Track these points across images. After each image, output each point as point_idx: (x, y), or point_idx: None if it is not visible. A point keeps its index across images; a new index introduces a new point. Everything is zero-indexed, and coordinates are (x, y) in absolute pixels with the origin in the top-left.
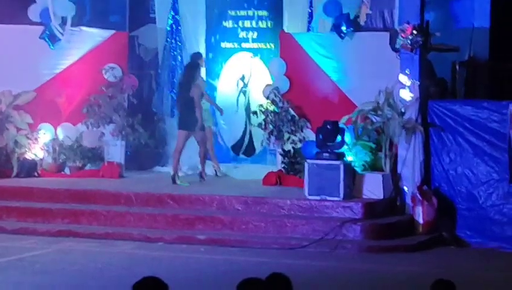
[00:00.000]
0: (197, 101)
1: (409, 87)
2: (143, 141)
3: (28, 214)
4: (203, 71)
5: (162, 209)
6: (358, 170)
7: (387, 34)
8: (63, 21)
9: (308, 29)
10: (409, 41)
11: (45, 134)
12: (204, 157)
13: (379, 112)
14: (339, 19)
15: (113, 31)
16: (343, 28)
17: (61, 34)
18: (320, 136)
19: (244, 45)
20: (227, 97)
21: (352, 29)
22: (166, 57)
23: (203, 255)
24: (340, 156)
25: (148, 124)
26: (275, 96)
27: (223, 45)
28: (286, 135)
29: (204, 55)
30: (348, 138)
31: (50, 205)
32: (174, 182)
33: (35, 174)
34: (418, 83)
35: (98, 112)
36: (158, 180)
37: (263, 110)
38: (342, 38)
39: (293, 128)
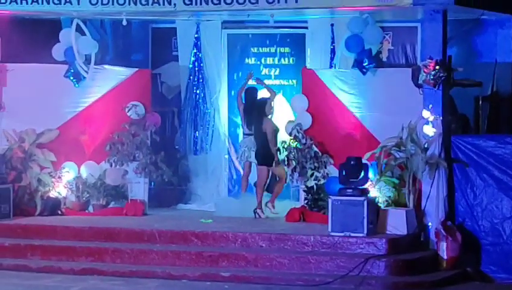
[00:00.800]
0: (270, 136)
1: (432, 122)
2: (166, 178)
3: (52, 253)
4: (225, 107)
5: (186, 247)
6: (381, 205)
7: (409, 70)
8: (87, 59)
9: (331, 66)
10: (431, 77)
11: (69, 172)
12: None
13: (402, 148)
14: (361, 54)
15: (135, 69)
16: (365, 64)
17: (86, 72)
18: (344, 172)
19: (267, 82)
20: (250, 134)
21: (374, 64)
22: (189, 94)
23: None
24: (364, 192)
25: (171, 162)
26: (298, 132)
27: None
28: (309, 171)
29: (226, 93)
30: (371, 174)
31: (74, 243)
32: (255, 215)
33: (59, 212)
34: (441, 118)
35: (121, 149)
36: (181, 217)
37: (286, 146)
38: (364, 74)
39: (316, 164)
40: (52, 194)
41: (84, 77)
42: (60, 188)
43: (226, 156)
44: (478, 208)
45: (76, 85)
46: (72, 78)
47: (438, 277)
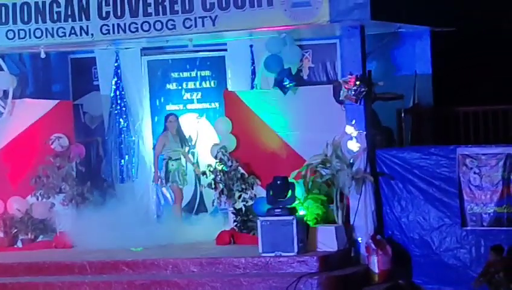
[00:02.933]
0: None
1: (355, 137)
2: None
3: None
4: (149, 134)
5: (117, 276)
6: (310, 223)
7: (330, 87)
8: (5, 94)
9: (252, 87)
10: (352, 92)
11: None
12: None
13: (328, 165)
14: (281, 74)
15: (57, 101)
16: (286, 83)
17: (3, 107)
18: (271, 193)
19: (189, 106)
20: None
21: (294, 83)
22: (112, 123)
23: None
24: (292, 211)
25: (98, 192)
26: (223, 155)
27: (168, 107)
28: (237, 193)
29: (150, 120)
30: (298, 192)
31: (4, 279)
32: None
33: None
34: (365, 132)
35: (47, 182)
36: (112, 247)
37: (212, 169)
38: (285, 93)
39: (243, 186)
40: None
41: (1, 112)
42: None
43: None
44: (406, 220)
45: None
46: None
47: None
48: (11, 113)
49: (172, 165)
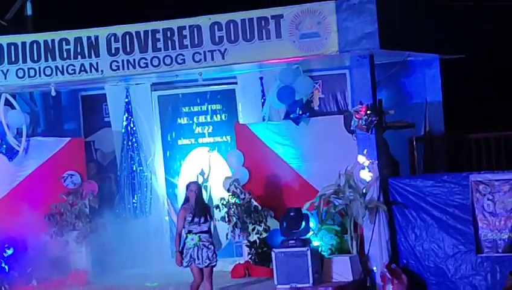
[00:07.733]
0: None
1: (368, 167)
2: (108, 245)
3: None
4: (161, 169)
5: None
6: (325, 254)
7: (341, 117)
8: (18, 133)
9: (263, 119)
10: (363, 122)
11: (9, 248)
12: None
13: (341, 195)
14: (293, 105)
15: (68, 138)
16: (298, 114)
17: (18, 145)
18: (285, 224)
19: (200, 140)
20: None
21: (307, 114)
22: (124, 159)
23: None
24: (306, 242)
25: (112, 228)
26: (236, 188)
27: (180, 142)
28: (250, 226)
29: (161, 155)
30: (312, 223)
31: None
32: None
33: (3, 288)
34: (377, 162)
35: (60, 220)
36: (126, 283)
37: (225, 203)
38: (298, 124)
39: (256, 218)
40: None
41: (17, 151)
42: (2, 264)
43: (167, 218)
44: (420, 248)
45: (10, 160)
46: (5, 153)
47: None
48: (25, 151)
49: (193, 239)
